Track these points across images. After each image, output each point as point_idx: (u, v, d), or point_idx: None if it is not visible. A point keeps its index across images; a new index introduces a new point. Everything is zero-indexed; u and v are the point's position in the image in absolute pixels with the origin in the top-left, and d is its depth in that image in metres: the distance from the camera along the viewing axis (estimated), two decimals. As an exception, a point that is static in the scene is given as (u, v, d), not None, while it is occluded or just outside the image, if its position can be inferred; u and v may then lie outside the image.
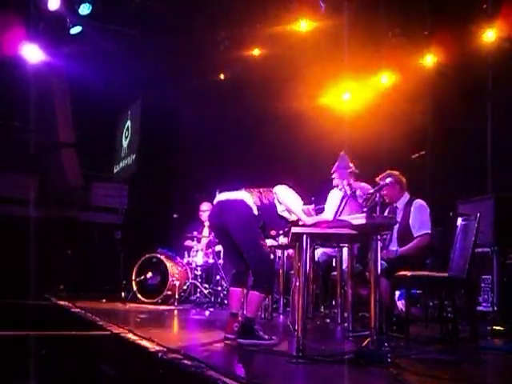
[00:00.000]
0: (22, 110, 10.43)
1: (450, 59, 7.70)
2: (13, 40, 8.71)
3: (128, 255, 9.64)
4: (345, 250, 5.54)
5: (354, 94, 9.37)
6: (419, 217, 5.11)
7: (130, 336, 4.24)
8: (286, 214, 4.51)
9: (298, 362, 3.52)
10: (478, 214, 4.28)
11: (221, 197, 4.53)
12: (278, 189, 4.50)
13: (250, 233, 4.32)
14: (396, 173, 5.32)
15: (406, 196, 5.32)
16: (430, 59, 8.12)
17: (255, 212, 4.36)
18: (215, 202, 4.59)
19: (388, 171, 5.29)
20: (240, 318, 4.31)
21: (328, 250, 6.35)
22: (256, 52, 9.27)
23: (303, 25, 8.51)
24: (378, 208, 4.60)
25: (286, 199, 4.43)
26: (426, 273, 4.42)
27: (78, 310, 6.17)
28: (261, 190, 4.57)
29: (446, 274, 4.46)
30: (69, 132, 10.97)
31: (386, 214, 5.27)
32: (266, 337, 4.19)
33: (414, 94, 8.06)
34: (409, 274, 4.37)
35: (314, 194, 5.57)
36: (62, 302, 6.98)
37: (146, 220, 11.12)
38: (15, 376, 4.10)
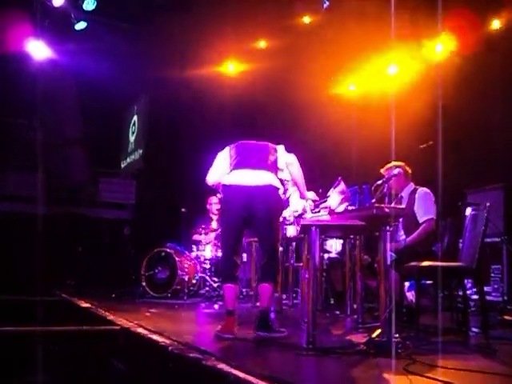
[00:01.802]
0: (28, 107, 10.45)
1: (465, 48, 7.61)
2: (18, 37, 8.72)
3: (137, 250, 9.67)
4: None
5: (362, 83, 9.34)
6: (423, 203, 5.10)
7: (141, 330, 4.25)
8: (283, 176, 4.50)
9: (308, 355, 3.52)
10: (488, 204, 4.26)
11: (246, 180, 4.30)
12: (294, 158, 4.48)
13: (278, 222, 4.29)
14: (401, 164, 5.30)
15: (411, 186, 5.31)
16: (440, 47, 8.03)
17: (282, 194, 4.35)
18: (238, 182, 4.32)
19: (393, 162, 5.27)
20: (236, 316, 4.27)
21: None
22: (263, 44, 9.22)
23: (307, 20, 8.49)
24: (386, 199, 4.60)
25: (298, 171, 4.45)
26: (435, 263, 4.39)
27: (88, 305, 6.19)
28: (272, 159, 4.47)
29: (455, 264, 4.44)
30: (76, 128, 11.00)
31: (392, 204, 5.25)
32: (282, 329, 4.22)
33: (422, 83, 7.99)
34: (418, 264, 4.35)
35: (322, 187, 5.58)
36: (71, 298, 7.01)
37: (154, 215, 11.14)
38: (27, 371, 4.12)
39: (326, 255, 6.62)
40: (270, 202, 4.26)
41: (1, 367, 4.03)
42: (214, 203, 8.54)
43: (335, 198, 4.50)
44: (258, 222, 4.25)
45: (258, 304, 4.50)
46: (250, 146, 4.56)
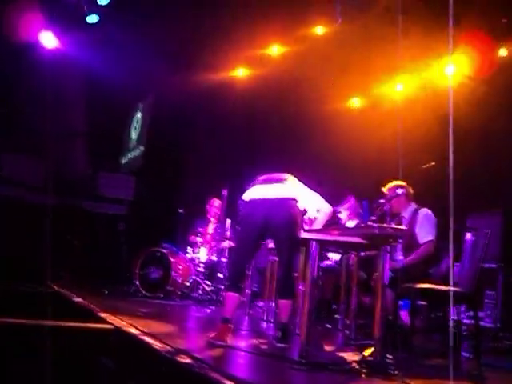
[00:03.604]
0: (35, 97, 10.43)
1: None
2: (29, 27, 8.70)
3: (131, 247, 9.64)
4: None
5: (369, 99, 9.37)
6: (424, 225, 5.10)
7: (133, 331, 4.23)
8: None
9: (300, 369, 3.51)
10: (489, 231, 4.26)
11: (265, 193, 4.43)
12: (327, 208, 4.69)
13: (296, 234, 4.30)
14: (404, 184, 5.31)
15: (413, 206, 5.32)
16: (452, 69, 8.04)
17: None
18: (257, 196, 4.45)
19: (395, 182, 5.28)
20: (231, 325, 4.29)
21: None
22: (274, 50, 9.21)
23: (320, 30, 8.47)
24: (387, 218, 4.60)
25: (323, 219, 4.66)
26: (432, 286, 4.39)
27: (80, 299, 6.15)
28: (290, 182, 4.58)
29: (452, 289, 4.44)
30: (80, 121, 10.99)
31: (393, 224, 5.26)
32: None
33: (430, 102, 8.00)
34: (415, 285, 4.35)
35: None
36: (63, 291, 6.97)
37: (151, 213, 11.11)
38: (12, 364, 4.10)
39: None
40: (288, 215, 4.35)
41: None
42: (214, 206, 8.54)
43: (344, 214, 4.55)
44: (277, 234, 4.37)
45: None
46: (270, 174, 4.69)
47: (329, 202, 5.22)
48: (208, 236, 8.40)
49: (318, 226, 4.74)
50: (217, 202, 8.51)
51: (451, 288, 4.41)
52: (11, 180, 10.49)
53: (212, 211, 8.59)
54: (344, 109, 9.62)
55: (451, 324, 4.71)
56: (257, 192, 4.47)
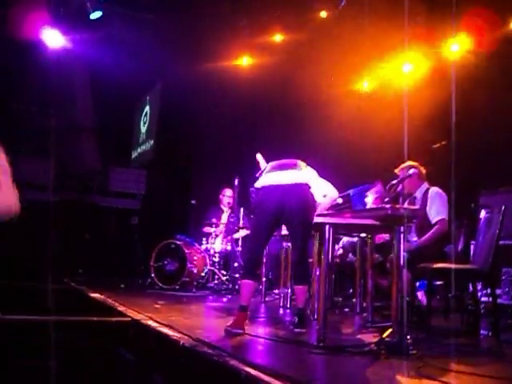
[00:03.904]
0: (41, 95, 10.47)
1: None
2: (34, 25, 8.72)
3: (145, 241, 9.69)
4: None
5: (376, 81, 9.32)
6: (435, 204, 5.08)
7: (151, 323, 4.26)
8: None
9: (319, 353, 3.52)
10: (503, 207, 4.23)
11: (278, 179, 4.44)
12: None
13: (310, 219, 4.34)
14: (416, 164, 5.28)
15: (425, 186, 5.29)
16: (456, 47, 7.97)
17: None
18: (270, 183, 4.45)
19: (408, 162, 5.25)
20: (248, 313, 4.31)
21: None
22: (278, 37, 9.15)
23: (324, 14, 8.40)
24: (400, 198, 4.58)
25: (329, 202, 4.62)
26: (448, 265, 4.38)
27: (98, 295, 6.20)
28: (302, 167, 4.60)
29: (468, 267, 4.43)
30: (88, 117, 11.02)
31: (406, 204, 5.24)
32: None
33: (436, 81, 7.94)
34: (431, 266, 4.34)
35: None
36: (81, 287, 7.03)
37: (164, 206, 11.16)
38: (35, 360, 4.14)
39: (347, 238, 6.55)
40: (302, 200, 4.38)
41: (10, 355, 4.06)
42: (227, 196, 8.56)
43: (370, 198, 4.55)
44: (291, 219, 4.37)
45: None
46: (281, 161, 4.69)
47: (338, 187, 5.23)
48: (222, 226, 8.42)
49: (321, 210, 4.76)
50: (229, 192, 8.53)
51: (467, 266, 4.40)
52: (24, 181, 10.57)
53: (224, 201, 8.61)
54: (351, 91, 9.59)
55: (468, 301, 4.71)
56: (269, 179, 4.47)
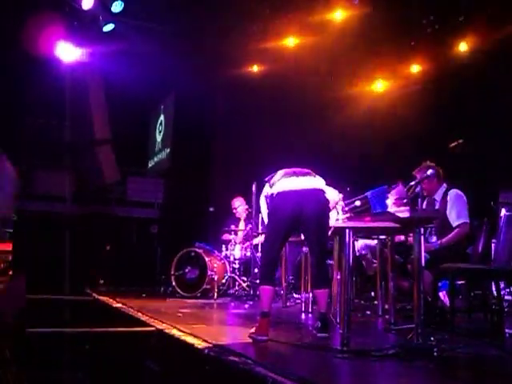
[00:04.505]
0: (58, 108, 10.57)
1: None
2: (48, 39, 8.82)
3: (165, 249, 9.73)
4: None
5: (387, 82, 9.32)
6: (456, 206, 5.06)
7: (175, 332, 4.28)
8: None
9: (343, 357, 3.52)
10: (524, 204, 4.20)
11: (295, 185, 4.45)
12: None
13: (327, 224, 4.39)
14: (433, 164, 5.26)
15: (444, 187, 5.27)
16: (464, 47, 7.95)
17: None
18: (287, 188, 4.44)
19: (424, 163, 5.23)
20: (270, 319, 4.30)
21: (369, 243, 6.35)
22: (291, 42, 9.14)
23: (338, 15, 8.34)
24: (419, 200, 4.57)
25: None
26: (470, 265, 4.36)
27: (120, 305, 6.25)
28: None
29: (490, 267, 4.40)
30: (105, 129, 11.09)
31: (424, 205, 5.22)
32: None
33: (450, 79, 7.93)
34: (453, 266, 4.32)
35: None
36: (103, 298, 7.08)
37: (182, 214, 11.20)
38: (63, 371, 4.20)
39: (363, 242, 6.54)
40: (320, 205, 4.41)
41: (38, 366, 4.11)
42: (237, 206, 8.59)
43: (391, 200, 4.53)
44: (308, 224, 4.38)
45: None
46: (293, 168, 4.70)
47: (356, 187, 5.25)
48: (240, 232, 8.44)
49: None
50: (238, 202, 8.56)
51: (489, 265, 4.38)
52: (44, 195, 10.69)
53: (238, 211, 8.64)
54: (368, 91, 9.58)
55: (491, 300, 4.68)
56: (286, 184, 4.47)
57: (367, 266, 6.67)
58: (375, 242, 6.40)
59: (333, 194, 4.93)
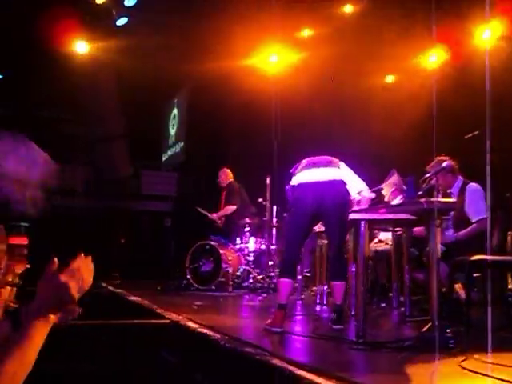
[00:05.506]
0: (72, 103, 10.63)
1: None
2: (62, 33, 8.86)
3: (178, 243, 9.77)
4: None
5: (401, 76, 9.26)
6: (474, 202, 5.00)
7: (190, 324, 4.30)
8: None
9: (359, 349, 3.52)
10: (541, 196, 4.17)
11: (315, 176, 4.44)
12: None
13: (347, 216, 4.31)
14: (447, 158, 5.21)
15: (460, 180, 5.22)
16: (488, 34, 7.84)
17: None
18: (307, 180, 4.45)
19: (437, 158, 5.18)
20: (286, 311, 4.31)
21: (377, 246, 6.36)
22: (306, 34, 9.10)
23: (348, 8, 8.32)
24: (434, 192, 4.54)
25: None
26: (486, 256, 4.33)
27: (136, 297, 6.28)
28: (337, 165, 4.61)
29: (507, 258, 4.37)
30: (118, 123, 11.15)
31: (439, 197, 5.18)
32: None
33: (467, 70, 7.85)
34: (470, 258, 4.29)
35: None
36: (118, 290, 7.12)
37: (195, 207, 11.22)
38: (79, 364, 4.22)
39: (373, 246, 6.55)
40: (339, 197, 4.40)
41: (53, 358, 4.13)
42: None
43: (387, 190, 4.52)
44: (328, 216, 4.39)
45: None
46: (316, 157, 4.68)
47: (373, 181, 5.21)
48: (255, 225, 8.46)
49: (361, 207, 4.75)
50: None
51: (506, 257, 4.35)
52: (59, 188, 10.73)
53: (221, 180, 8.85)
54: (380, 84, 9.52)
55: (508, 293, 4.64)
56: (306, 176, 4.47)
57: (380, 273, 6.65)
58: (382, 245, 6.43)
59: (363, 187, 4.87)
